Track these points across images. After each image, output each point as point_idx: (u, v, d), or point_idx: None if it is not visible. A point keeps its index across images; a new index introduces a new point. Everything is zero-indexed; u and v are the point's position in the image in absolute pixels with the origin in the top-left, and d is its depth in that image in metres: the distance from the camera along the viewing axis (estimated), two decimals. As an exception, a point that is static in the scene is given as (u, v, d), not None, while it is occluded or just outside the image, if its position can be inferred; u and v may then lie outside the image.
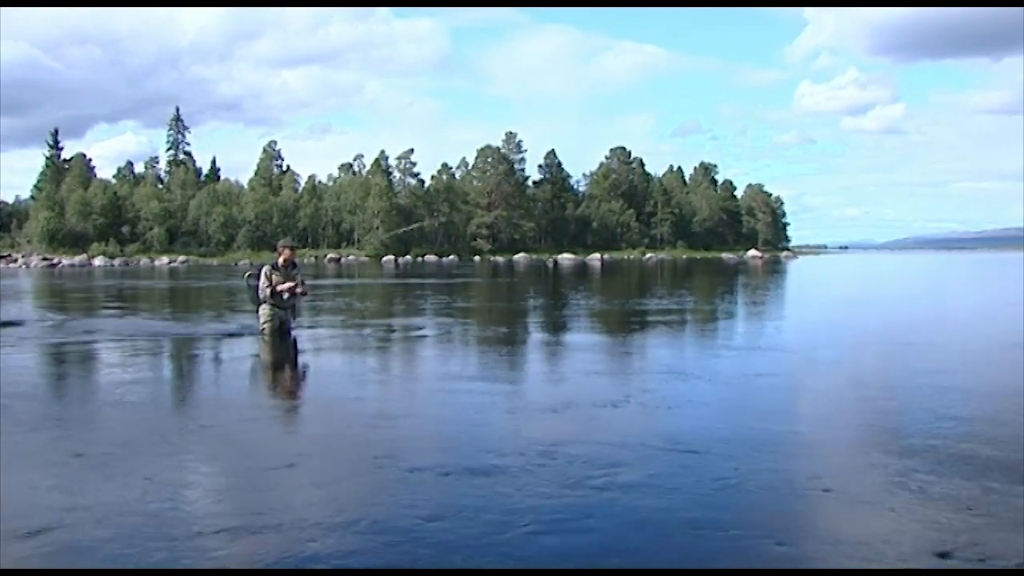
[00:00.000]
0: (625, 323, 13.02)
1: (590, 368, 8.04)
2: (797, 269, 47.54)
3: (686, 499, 3.68)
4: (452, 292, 22.96)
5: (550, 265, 62.83)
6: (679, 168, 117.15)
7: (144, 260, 73.43)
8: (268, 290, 9.73)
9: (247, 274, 10.45)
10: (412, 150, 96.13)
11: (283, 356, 8.95)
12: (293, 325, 10.17)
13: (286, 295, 9.85)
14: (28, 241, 78.69)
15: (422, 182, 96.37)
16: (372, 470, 4.19)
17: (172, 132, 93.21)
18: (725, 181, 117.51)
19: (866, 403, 6.11)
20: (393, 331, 11.81)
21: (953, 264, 56.68)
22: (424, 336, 10.96)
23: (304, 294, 10.33)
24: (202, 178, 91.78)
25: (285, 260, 9.98)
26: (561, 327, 12.61)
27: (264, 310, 9.86)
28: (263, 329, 9.84)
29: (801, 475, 4.04)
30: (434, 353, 9.50)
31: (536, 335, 11.64)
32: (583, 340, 10.75)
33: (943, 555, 3.01)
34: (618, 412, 5.64)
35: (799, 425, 5.35)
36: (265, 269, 9.94)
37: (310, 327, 11.26)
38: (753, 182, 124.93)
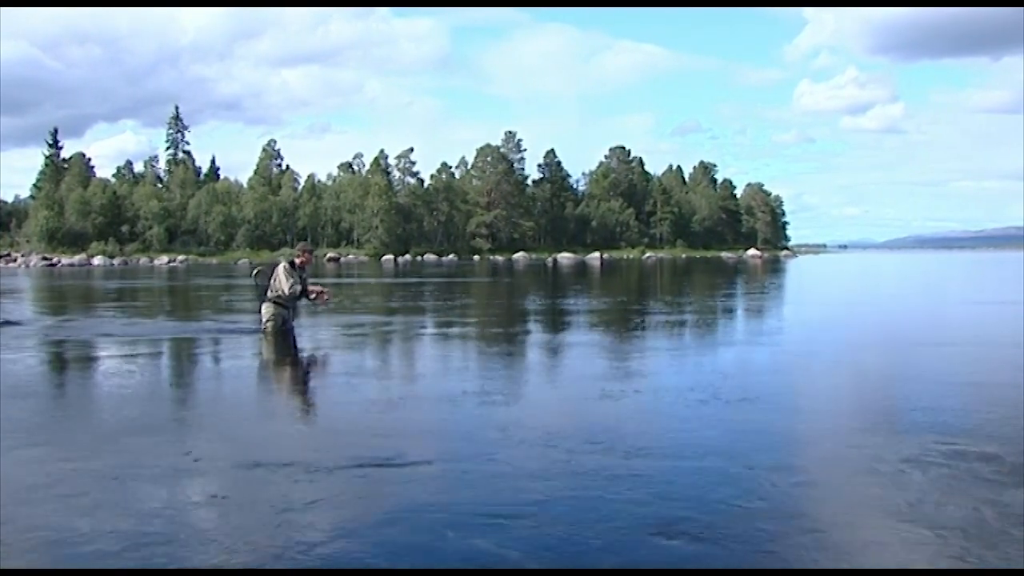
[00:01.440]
0: (604, 322, 13.00)
1: (521, 364, 8.34)
2: (796, 268, 47.49)
3: (484, 486, 3.70)
4: (450, 291, 22.94)
5: (549, 264, 62.81)
6: (678, 167, 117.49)
7: (143, 259, 73.41)
8: (298, 287, 9.81)
9: (255, 271, 10.46)
10: (412, 149, 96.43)
11: (284, 353, 8.97)
12: (294, 323, 10.18)
13: (313, 295, 10.14)
14: (27, 240, 78.70)
15: (421, 181, 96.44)
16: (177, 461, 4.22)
17: (171, 131, 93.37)
18: (724, 180, 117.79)
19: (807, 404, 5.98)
20: (373, 330, 11.81)
21: (952, 263, 56.66)
22: (393, 332, 11.12)
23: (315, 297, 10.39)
24: (201, 177, 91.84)
25: (302, 263, 10.14)
26: (547, 327, 12.57)
27: (266, 308, 9.87)
28: (265, 327, 9.84)
29: (629, 471, 3.96)
30: (397, 350, 9.57)
31: (528, 337, 11.60)
32: (547, 339, 10.68)
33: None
34: (491, 407, 5.62)
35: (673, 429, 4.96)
36: (284, 266, 9.93)
37: (310, 325, 11.26)
38: (752, 181, 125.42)
